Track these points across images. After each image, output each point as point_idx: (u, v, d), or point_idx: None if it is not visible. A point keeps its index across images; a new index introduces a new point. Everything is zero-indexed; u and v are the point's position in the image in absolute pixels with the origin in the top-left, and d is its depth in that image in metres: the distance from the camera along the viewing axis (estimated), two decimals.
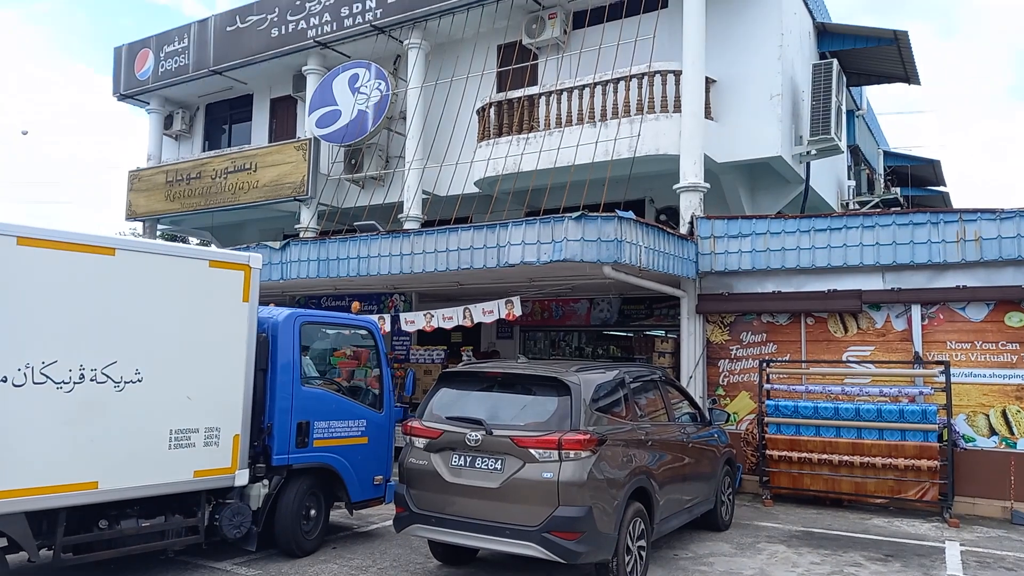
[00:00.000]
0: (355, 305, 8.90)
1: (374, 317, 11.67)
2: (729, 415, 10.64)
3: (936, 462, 8.93)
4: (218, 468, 6.31)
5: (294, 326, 7.07)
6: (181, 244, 6.12)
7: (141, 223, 18.88)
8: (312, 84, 15.59)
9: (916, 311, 9.80)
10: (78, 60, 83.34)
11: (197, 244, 26.48)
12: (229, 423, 6.40)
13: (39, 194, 61.42)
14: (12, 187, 60.18)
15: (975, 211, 9.40)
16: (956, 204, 21.57)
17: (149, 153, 18.73)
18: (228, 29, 16.68)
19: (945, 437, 9.10)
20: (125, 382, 5.74)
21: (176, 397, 6.06)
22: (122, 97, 18.98)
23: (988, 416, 9.33)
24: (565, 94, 12.48)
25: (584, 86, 12.32)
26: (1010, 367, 9.26)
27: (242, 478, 6.46)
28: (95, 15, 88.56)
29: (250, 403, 6.56)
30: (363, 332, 8.11)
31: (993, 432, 9.30)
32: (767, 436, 9.88)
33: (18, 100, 71.11)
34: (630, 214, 9.10)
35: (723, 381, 10.93)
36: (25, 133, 44.54)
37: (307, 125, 15.48)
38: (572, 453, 5.61)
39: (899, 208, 15.72)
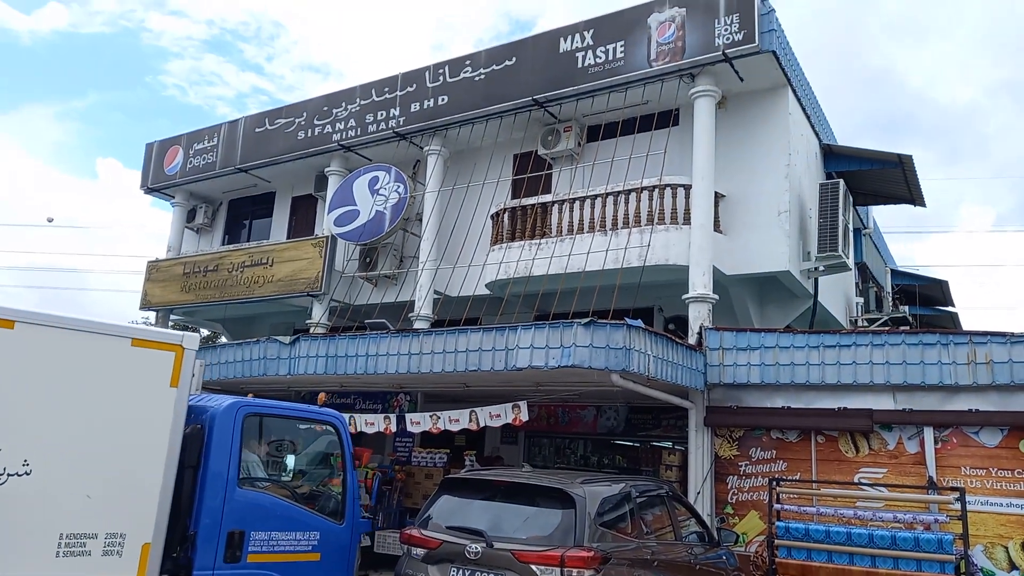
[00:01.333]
0: (321, 397, 7.97)
1: (379, 416, 11.59)
2: (738, 536, 10.28)
3: None
4: None
5: (235, 418, 6.16)
6: (105, 320, 5.56)
7: (154, 312, 19.08)
8: (333, 184, 16.10)
9: (929, 433, 9.61)
10: (108, 154, 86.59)
11: (206, 334, 26.67)
12: (138, 529, 5.44)
13: (59, 280, 62.46)
14: (33, 272, 61.32)
15: (985, 334, 9.38)
16: (965, 325, 21.57)
17: (169, 244, 19.16)
18: (257, 130, 17.41)
19: (963, 569, 8.71)
20: (8, 474, 4.96)
21: (72, 495, 5.20)
22: (149, 190, 19.61)
23: (1007, 548, 8.97)
24: (578, 203, 12.81)
25: (596, 196, 12.66)
26: None
27: None
28: (131, 114, 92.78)
29: (167, 506, 5.63)
30: (325, 427, 7.05)
31: (1014, 566, 8.91)
32: (777, 560, 9.49)
33: (48, 190, 73.58)
34: (639, 322, 9.14)
35: (732, 499, 10.62)
36: (51, 220, 45.83)
37: (325, 223, 15.87)
38: (575, 571, 5.42)
39: (908, 327, 15.72)
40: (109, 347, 5.52)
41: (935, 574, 8.66)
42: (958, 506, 8.86)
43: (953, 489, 9.08)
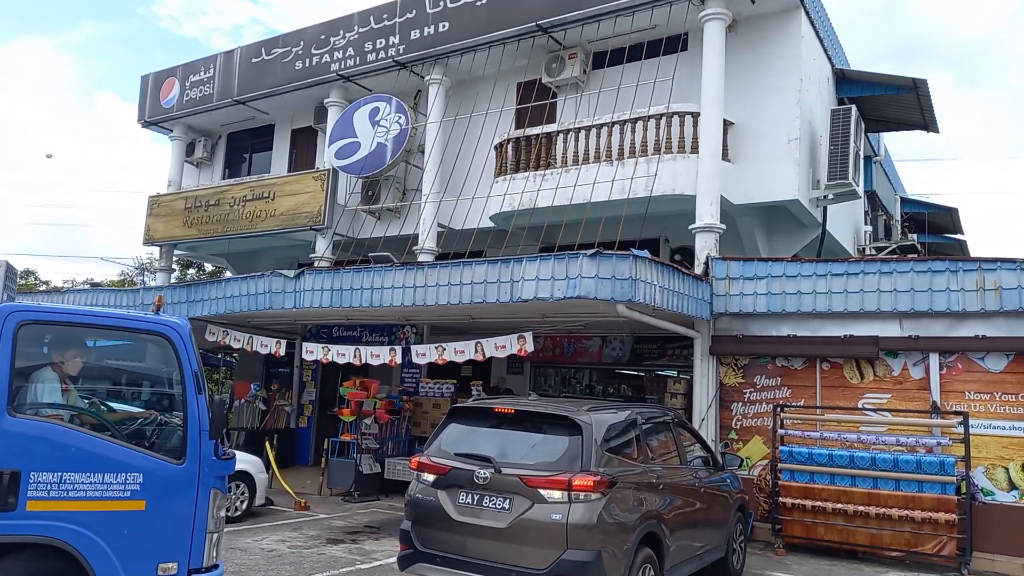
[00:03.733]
0: (158, 300, 6.15)
1: (385, 349, 11.66)
2: (742, 460, 10.44)
3: (954, 515, 8.71)
4: None
5: (3, 326, 4.68)
6: None
7: (158, 248, 19.04)
8: (333, 116, 15.80)
9: (934, 360, 9.65)
10: (107, 88, 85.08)
11: (211, 270, 26.73)
12: None
13: (60, 216, 62.29)
14: (34, 209, 61.10)
15: (995, 260, 9.30)
16: (974, 253, 21.41)
17: (170, 179, 18.97)
18: (253, 60, 16.99)
19: (963, 490, 8.88)
20: None
21: None
22: (147, 124, 19.30)
23: (1008, 469, 9.11)
24: (583, 132, 12.56)
25: (602, 125, 12.40)
26: None
27: None
28: (128, 46, 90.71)
29: None
30: (156, 339, 5.30)
31: (1013, 486, 9.07)
32: (780, 483, 9.68)
33: (46, 124, 72.62)
34: (645, 253, 9.07)
35: (736, 425, 10.76)
36: (50, 156, 45.36)
37: (326, 156, 15.65)
38: (582, 495, 5.50)
39: (917, 255, 15.61)
40: None
41: (936, 495, 8.84)
42: (961, 430, 8.97)
43: (957, 413, 9.17)
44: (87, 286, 18.77)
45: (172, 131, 19.09)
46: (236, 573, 7.39)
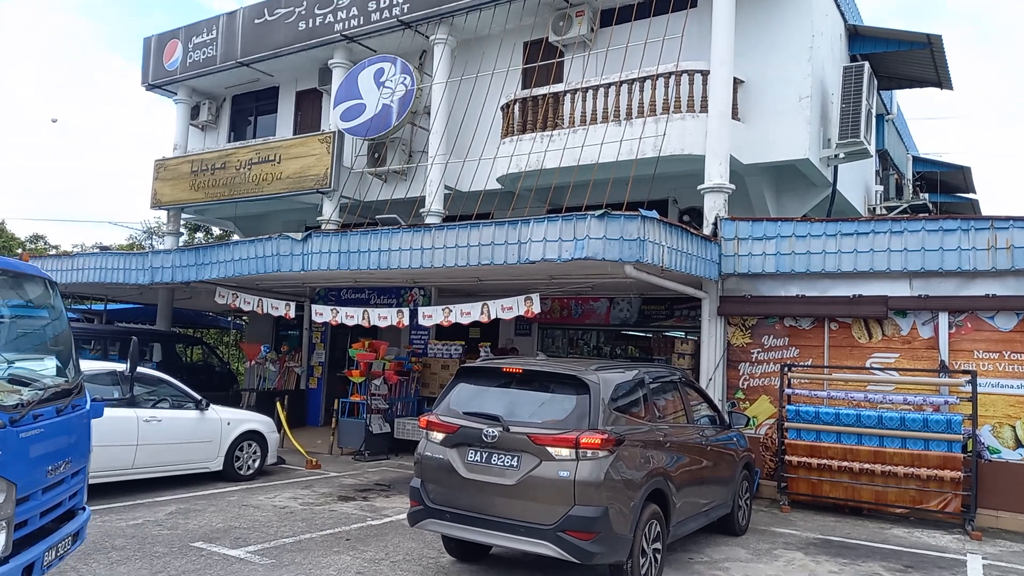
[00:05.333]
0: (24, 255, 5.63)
1: (392, 311, 11.72)
2: (749, 419, 10.53)
3: (960, 473, 8.77)
4: None
5: None
6: None
7: (165, 211, 19.06)
8: (338, 77, 15.64)
9: (943, 319, 9.62)
10: (111, 49, 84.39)
11: (219, 234, 26.77)
12: None
13: (65, 180, 62.36)
14: (39, 173, 61.14)
15: (1007, 219, 9.21)
16: (986, 211, 21.19)
17: (175, 143, 18.90)
18: (256, 21, 16.78)
19: (970, 448, 8.93)
20: None
21: None
22: (150, 87, 19.16)
23: (1015, 428, 9.14)
24: (591, 92, 12.40)
25: (610, 84, 12.23)
26: None
27: None
28: (129, 5, 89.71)
29: None
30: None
31: (1019, 444, 9.11)
32: (787, 441, 9.76)
33: (49, 88, 72.22)
34: (653, 213, 9.01)
35: (743, 384, 10.81)
36: (55, 121, 45.20)
37: (331, 118, 15.53)
38: (589, 452, 5.56)
39: (928, 214, 15.46)
40: None
41: (942, 452, 8.89)
42: (969, 388, 8.98)
43: (965, 372, 9.17)
44: (96, 250, 18.82)
45: (176, 94, 18.96)
46: (250, 530, 7.54)
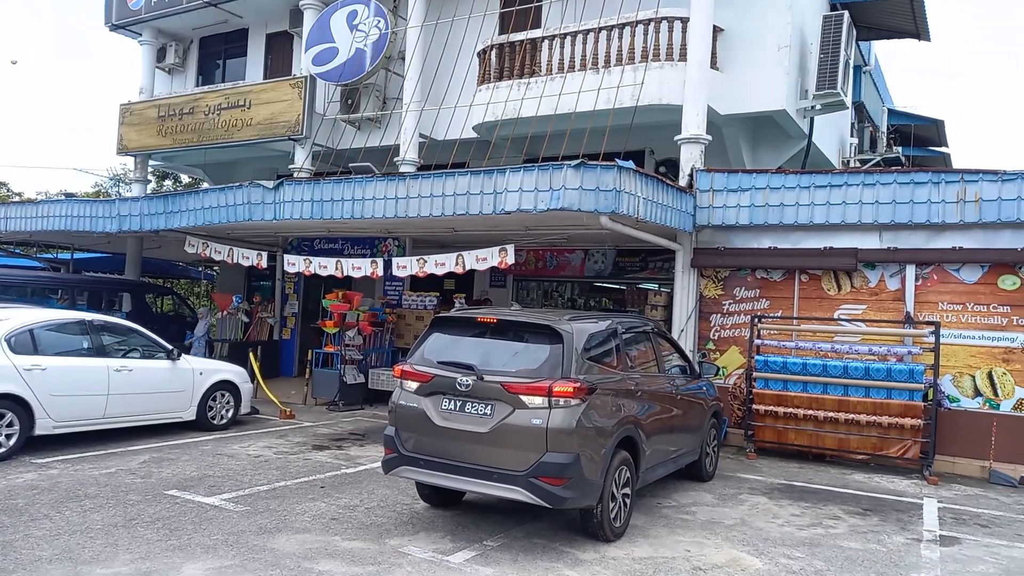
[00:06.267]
0: None
1: (366, 261, 11.66)
2: (718, 369, 10.68)
3: (920, 421, 9.04)
4: None
5: None
6: None
7: (132, 158, 18.57)
8: (309, 20, 15.16)
9: (911, 271, 9.79)
10: None
11: (188, 181, 26.23)
12: None
13: (29, 124, 60.42)
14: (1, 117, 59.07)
15: (977, 172, 9.31)
16: (957, 165, 21.38)
17: (141, 86, 18.30)
18: None
19: (930, 397, 9.19)
20: None
21: None
22: (114, 27, 18.42)
23: (974, 377, 9.42)
24: (568, 38, 12.18)
25: (588, 31, 12.02)
26: (1000, 329, 9.31)
27: None
28: None
29: None
30: None
31: (978, 393, 9.40)
32: (754, 391, 9.96)
33: (9, 28, 69.35)
34: (630, 164, 8.97)
35: (714, 335, 10.96)
36: (15, 63, 43.52)
37: (303, 62, 15.12)
38: (562, 400, 5.63)
39: (900, 167, 15.58)
40: None
41: (904, 401, 9.15)
42: (932, 339, 9.19)
43: (929, 323, 9.38)
44: (62, 196, 18.35)
45: (141, 35, 18.28)
46: (224, 478, 7.58)
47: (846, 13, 12.14)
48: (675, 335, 10.63)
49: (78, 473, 7.49)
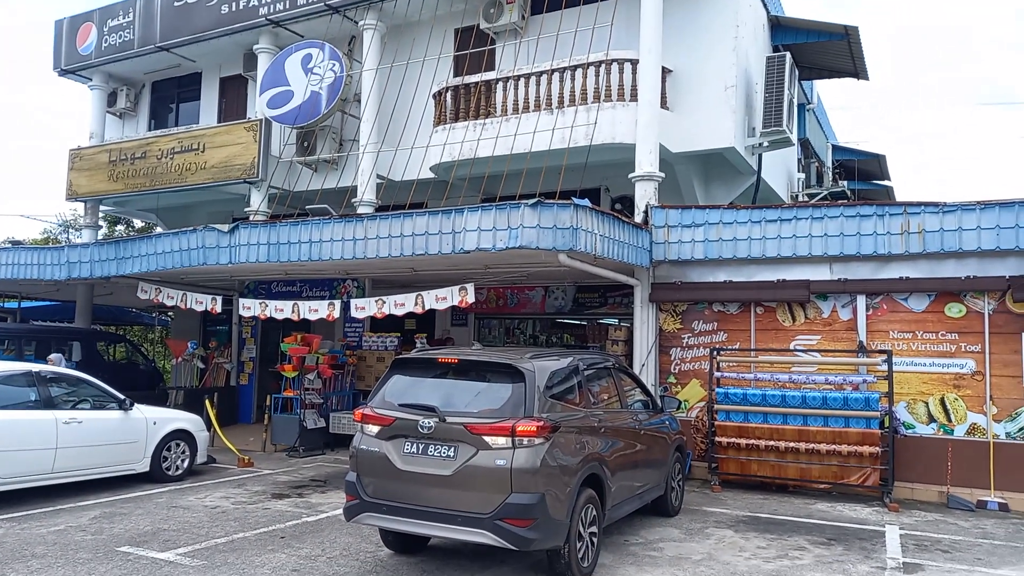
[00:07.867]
0: None
1: (323, 303, 11.54)
2: (680, 402, 10.76)
3: (878, 448, 9.20)
4: None
5: None
6: None
7: (83, 203, 18.19)
8: (264, 63, 15.19)
9: (861, 301, 10.05)
10: (22, 32, 79.75)
11: (141, 226, 25.75)
12: None
13: None
14: None
15: (919, 204, 9.67)
16: (900, 197, 22.21)
17: (91, 131, 18.02)
18: (176, 4, 16.12)
19: (887, 424, 9.37)
20: None
21: None
22: (63, 72, 18.19)
23: (927, 404, 9.64)
24: (522, 80, 12.41)
25: (541, 72, 12.26)
26: (949, 356, 9.58)
27: None
28: None
29: None
30: None
31: (932, 419, 9.62)
32: (716, 423, 10.04)
33: None
34: (586, 202, 9.10)
35: (675, 369, 11.06)
36: None
37: (258, 105, 15.09)
38: (525, 440, 5.59)
39: (846, 200, 16.10)
40: None
41: (861, 429, 9.31)
42: (885, 367, 9.42)
43: (881, 352, 9.61)
44: (8, 244, 17.85)
45: (91, 80, 18.06)
46: (179, 532, 7.32)
47: (788, 54, 12.63)
48: (636, 370, 10.70)
49: (24, 532, 7.15)
